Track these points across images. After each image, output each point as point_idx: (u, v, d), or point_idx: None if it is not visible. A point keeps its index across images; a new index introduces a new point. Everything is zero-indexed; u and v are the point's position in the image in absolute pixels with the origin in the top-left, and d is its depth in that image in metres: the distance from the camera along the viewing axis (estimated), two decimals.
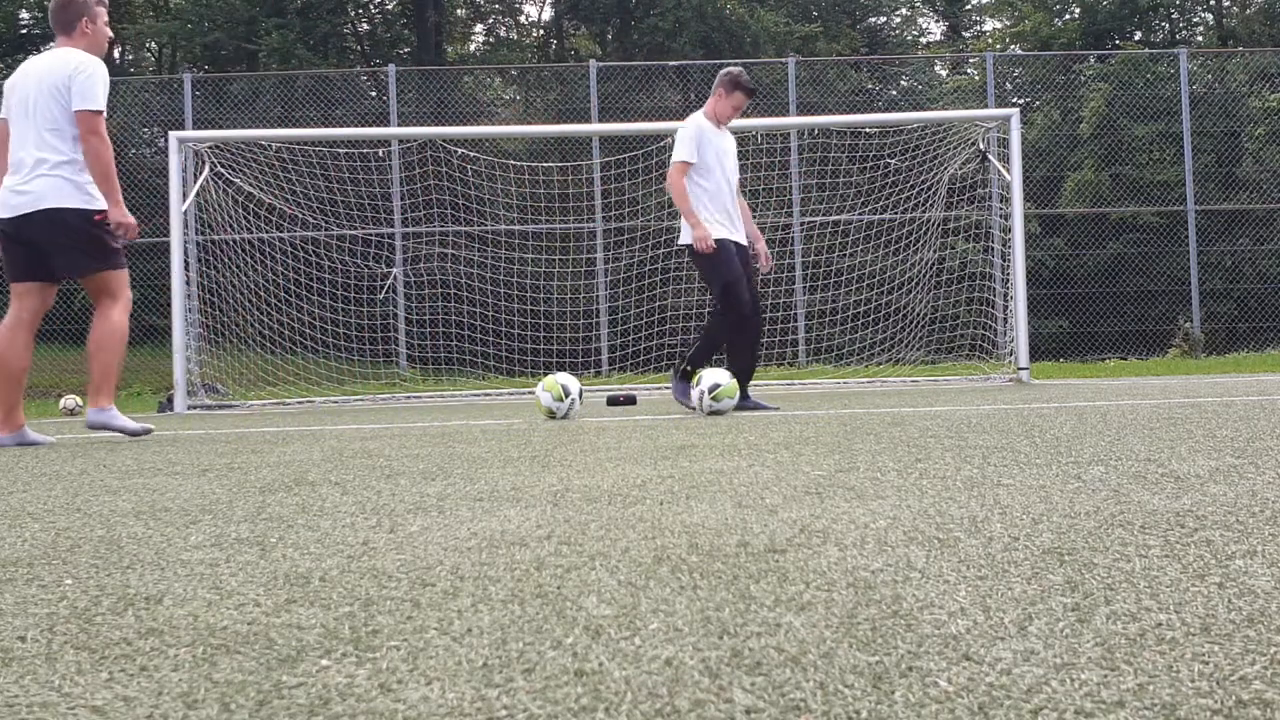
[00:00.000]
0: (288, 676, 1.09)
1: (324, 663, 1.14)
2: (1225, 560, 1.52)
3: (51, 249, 5.01)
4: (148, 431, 5.35)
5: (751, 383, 6.58)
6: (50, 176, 4.93)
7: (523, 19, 27.56)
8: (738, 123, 12.93)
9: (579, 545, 1.78)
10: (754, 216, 6.84)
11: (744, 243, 6.37)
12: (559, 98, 18.40)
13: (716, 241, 6.19)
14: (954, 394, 7.91)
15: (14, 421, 5.04)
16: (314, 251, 12.32)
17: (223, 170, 10.86)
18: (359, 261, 13.02)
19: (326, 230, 12.61)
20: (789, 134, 13.68)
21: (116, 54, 24.25)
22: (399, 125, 14.52)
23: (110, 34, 5.35)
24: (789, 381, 11.22)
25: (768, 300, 12.88)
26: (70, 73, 4.95)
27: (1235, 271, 16.30)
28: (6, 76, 5.42)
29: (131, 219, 5.08)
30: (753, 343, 6.45)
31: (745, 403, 6.26)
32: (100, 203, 5.00)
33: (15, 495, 2.85)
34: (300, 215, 12.20)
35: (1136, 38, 22.58)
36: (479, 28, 27.43)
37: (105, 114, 5.01)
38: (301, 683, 1.07)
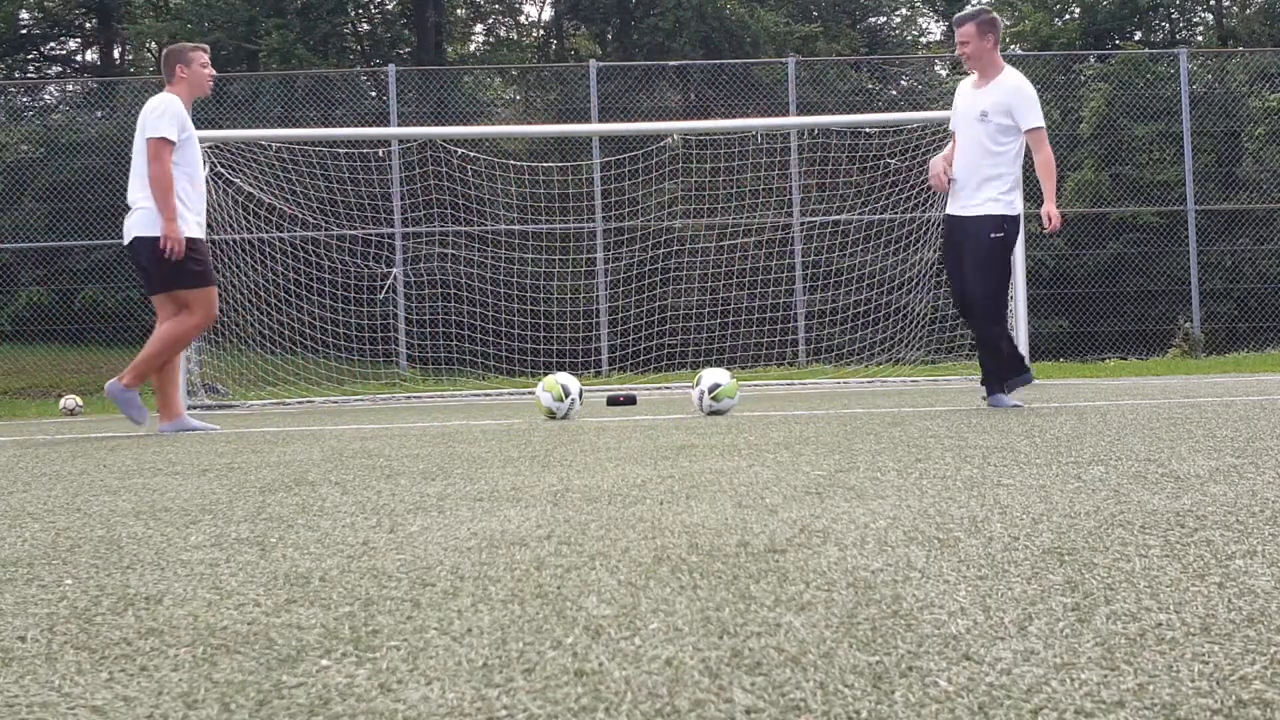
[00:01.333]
0: (288, 676, 1.09)
1: (324, 663, 1.14)
2: (1225, 560, 1.52)
3: (139, 271, 5.77)
4: (141, 427, 5.77)
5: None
6: (137, 210, 5.64)
7: (522, 19, 27.56)
8: (739, 122, 12.98)
9: (579, 545, 1.78)
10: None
11: (963, 214, 5.68)
12: (559, 98, 18.39)
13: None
14: (954, 394, 7.91)
15: (173, 410, 5.78)
16: (314, 251, 12.31)
17: (223, 170, 10.85)
18: (359, 261, 13.01)
19: (326, 230, 12.60)
20: (789, 134, 13.67)
21: (116, 54, 24.26)
22: (399, 125, 14.51)
23: (211, 73, 5.86)
24: (789, 381, 11.22)
25: (767, 300, 12.88)
26: (146, 114, 5.61)
27: (1235, 271, 16.28)
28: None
29: (178, 236, 5.54)
30: (975, 334, 5.83)
31: (995, 399, 5.69)
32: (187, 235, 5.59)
33: (15, 495, 2.85)
34: (300, 215, 12.20)
35: (1136, 38, 22.56)
36: (479, 28, 27.42)
37: (173, 144, 5.56)
38: (301, 683, 1.07)
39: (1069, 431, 3.78)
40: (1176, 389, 7.55)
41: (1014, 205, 5.68)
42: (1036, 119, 5.67)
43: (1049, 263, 16.07)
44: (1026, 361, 5.96)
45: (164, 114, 5.57)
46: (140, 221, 5.60)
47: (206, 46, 5.99)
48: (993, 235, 5.60)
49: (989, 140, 5.63)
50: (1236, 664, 1.04)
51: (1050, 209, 5.69)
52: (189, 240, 5.62)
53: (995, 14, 5.85)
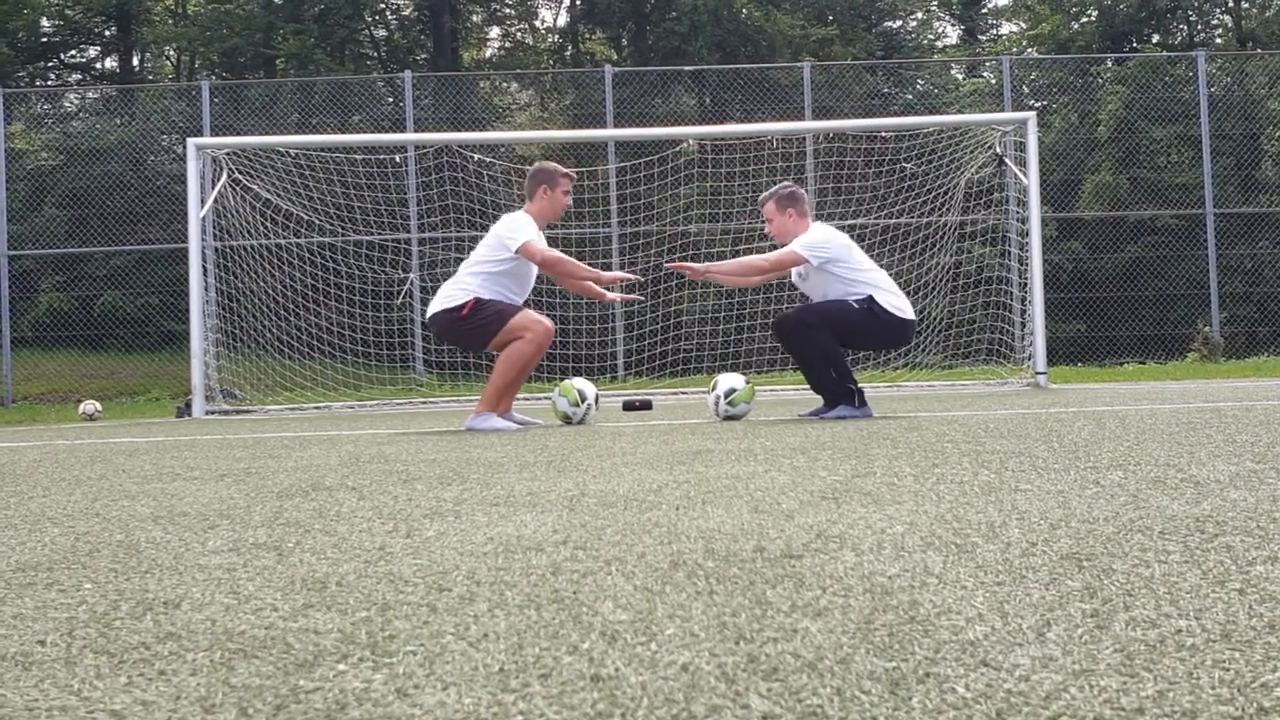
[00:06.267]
0: (305, 681, 1.09)
1: (341, 667, 1.14)
2: (1246, 566, 1.51)
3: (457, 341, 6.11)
4: (529, 425, 5.74)
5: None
6: (453, 283, 5.88)
7: (538, 24, 27.63)
8: (754, 127, 12.97)
9: (595, 550, 1.78)
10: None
11: None
12: (574, 102, 18.43)
13: None
14: (971, 399, 7.87)
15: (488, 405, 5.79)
16: (331, 257, 12.37)
17: (240, 177, 10.92)
18: (376, 267, 13.06)
19: (343, 236, 12.66)
20: (804, 138, 13.67)
21: (135, 62, 24.43)
22: (415, 131, 14.56)
23: (568, 203, 6.10)
24: (805, 386, 11.17)
25: (783, 305, 12.85)
26: (502, 226, 5.86)
27: (1255, 274, 16.18)
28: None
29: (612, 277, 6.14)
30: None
31: None
32: (473, 297, 5.77)
33: (35, 500, 2.87)
34: (317, 221, 12.25)
35: (1154, 40, 22.46)
36: (494, 33, 27.52)
37: (528, 245, 5.72)
38: (318, 687, 1.07)
39: (1087, 436, 3.76)
40: (1196, 393, 7.50)
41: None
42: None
43: (1067, 266, 16.01)
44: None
45: (516, 227, 5.77)
46: (436, 299, 5.84)
47: (574, 175, 6.16)
48: None
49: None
50: (1258, 671, 1.03)
51: (690, 268, 6.01)
52: (476, 303, 5.72)
53: (795, 188, 5.94)
